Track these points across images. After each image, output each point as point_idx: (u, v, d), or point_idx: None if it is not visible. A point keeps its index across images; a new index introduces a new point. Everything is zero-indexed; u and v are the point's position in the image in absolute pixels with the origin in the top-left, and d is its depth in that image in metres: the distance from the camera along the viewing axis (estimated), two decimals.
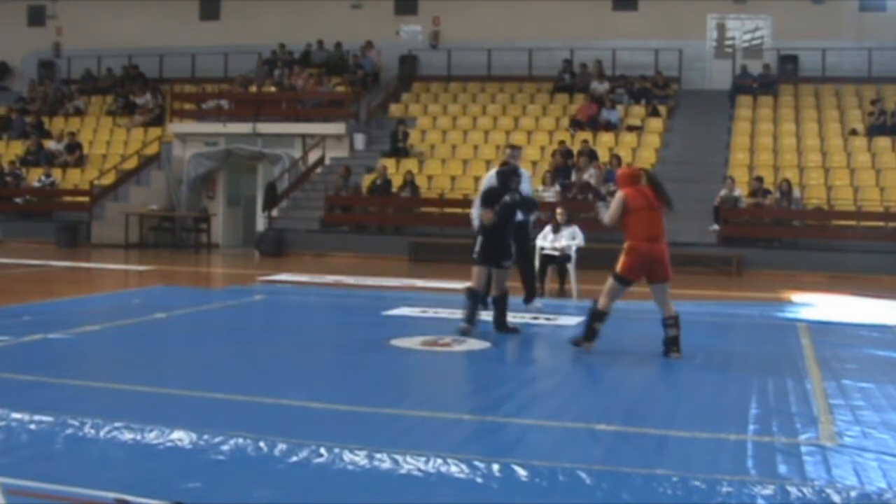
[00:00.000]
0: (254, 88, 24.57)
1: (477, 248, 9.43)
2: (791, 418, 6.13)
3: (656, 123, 22.66)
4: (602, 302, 8.32)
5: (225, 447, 5.11)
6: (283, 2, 27.18)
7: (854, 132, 21.49)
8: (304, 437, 5.19)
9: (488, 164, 21.96)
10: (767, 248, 19.11)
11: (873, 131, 21.27)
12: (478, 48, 25.61)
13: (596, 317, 8.36)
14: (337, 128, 23.01)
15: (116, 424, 5.39)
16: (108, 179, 23.56)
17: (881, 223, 18.97)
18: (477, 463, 4.84)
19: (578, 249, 13.46)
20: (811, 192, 19.86)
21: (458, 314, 10.91)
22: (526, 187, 10.27)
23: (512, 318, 9.81)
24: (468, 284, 9.38)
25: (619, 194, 8.36)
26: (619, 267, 8.26)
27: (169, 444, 5.19)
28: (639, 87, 24.02)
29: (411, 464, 4.86)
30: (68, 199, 23.27)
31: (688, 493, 4.56)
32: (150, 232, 22.49)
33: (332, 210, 21.11)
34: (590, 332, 8.40)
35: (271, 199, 21.57)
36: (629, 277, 8.30)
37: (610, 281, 8.34)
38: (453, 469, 4.80)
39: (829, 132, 21.72)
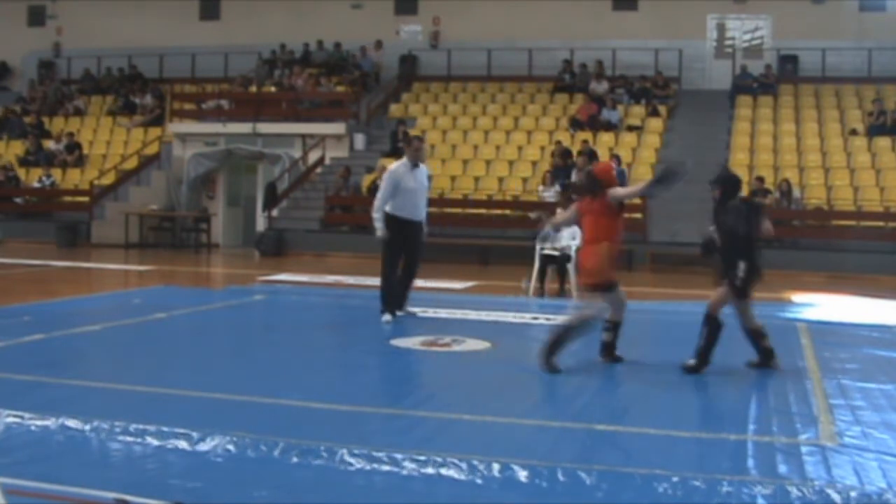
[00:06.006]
0: (254, 88, 24.58)
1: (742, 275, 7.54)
2: (791, 418, 6.13)
3: (656, 123, 22.66)
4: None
5: (225, 447, 5.12)
6: (283, 2, 27.19)
7: (854, 132, 21.49)
8: (304, 437, 5.20)
9: (488, 164, 21.99)
10: (767, 248, 19.08)
11: (873, 131, 21.27)
12: (478, 48, 25.61)
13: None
14: (337, 128, 23.02)
15: (116, 424, 5.39)
16: (108, 179, 23.57)
17: (881, 223, 18.96)
18: (477, 463, 4.84)
19: (578, 249, 13.45)
20: (811, 192, 19.86)
21: (457, 314, 10.92)
22: None
23: (510, 318, 9.81)
24: (718, 316, 7.59)
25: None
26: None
27: (169, 444, 5.19)
28: (639, 87, 24.03)
29: (411, 464, 4.86)
30: (68, 199, 23.27)
31: (688, 493, 4.56)
32: (150, 232, 22.50)
33: (332, 210, 21.11)
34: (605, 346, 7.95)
35: (271, 199, 21.57)
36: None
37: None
38: (453, 469, 4.80)
39: (829, 132, 21.72)
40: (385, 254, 10.18)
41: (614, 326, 7.88)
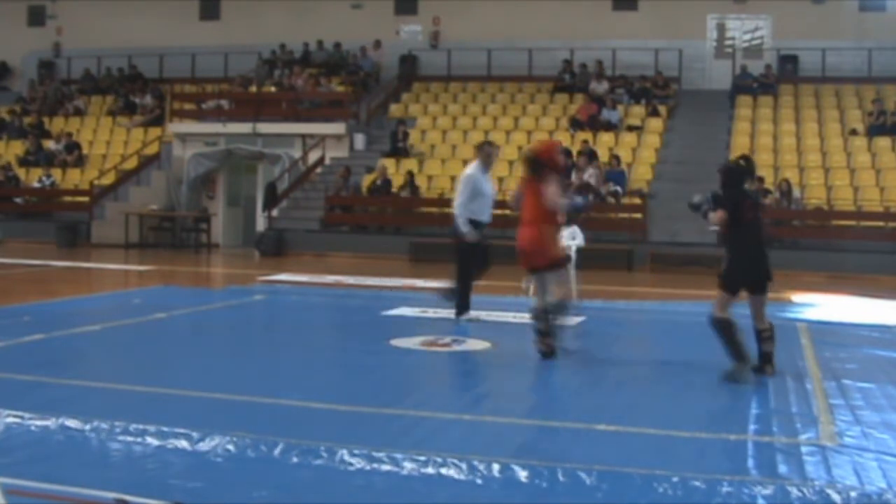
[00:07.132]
0: (254, 88, 24.57)
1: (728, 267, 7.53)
2: (791, 418, 6.13)
3: (656, 123, 22.66)
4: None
5: (225, 447, 5.12)
6: (283, 2, 27.19)
7: (854, 132, 21.49)
8: (304, 437, 5.20)
9: None
10: (767, 247, 19.09)
11: (873, 131, 21.27)
12: (478, 48, 25.61)
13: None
14: (337, 128, 23.01)
15: (116, 424, 5.39)
16: (108, 179, 23.57)
17: (881, 223, 18.96)
18: (477, 463, 4.84)
19: (578, 249, 13.45)
20: (811, 192, 19.86)
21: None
22: None
23: (510, 318, 9.79)
24: (718, 315, 7.41)
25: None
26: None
27: (169, 444, 5.19)
28: (639, 87, 24.02)
29: (411, 464, 4.86)
30: (68, 199, 23.28)
31: (688, 493, 4.56)
32: (150, 232, 22.49)
33: (332, 210, 21.12)
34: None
35: (271, 199, 21.57)
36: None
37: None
38: (453, 469, 4.80)
39: (829, 132, 21.72)
40: (463, 256, 10.17)
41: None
